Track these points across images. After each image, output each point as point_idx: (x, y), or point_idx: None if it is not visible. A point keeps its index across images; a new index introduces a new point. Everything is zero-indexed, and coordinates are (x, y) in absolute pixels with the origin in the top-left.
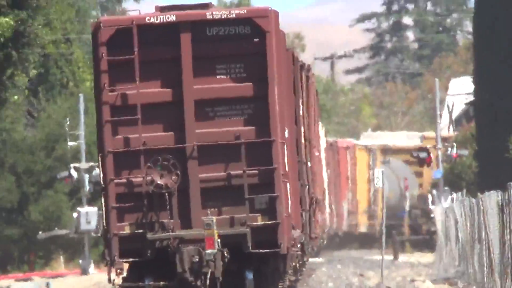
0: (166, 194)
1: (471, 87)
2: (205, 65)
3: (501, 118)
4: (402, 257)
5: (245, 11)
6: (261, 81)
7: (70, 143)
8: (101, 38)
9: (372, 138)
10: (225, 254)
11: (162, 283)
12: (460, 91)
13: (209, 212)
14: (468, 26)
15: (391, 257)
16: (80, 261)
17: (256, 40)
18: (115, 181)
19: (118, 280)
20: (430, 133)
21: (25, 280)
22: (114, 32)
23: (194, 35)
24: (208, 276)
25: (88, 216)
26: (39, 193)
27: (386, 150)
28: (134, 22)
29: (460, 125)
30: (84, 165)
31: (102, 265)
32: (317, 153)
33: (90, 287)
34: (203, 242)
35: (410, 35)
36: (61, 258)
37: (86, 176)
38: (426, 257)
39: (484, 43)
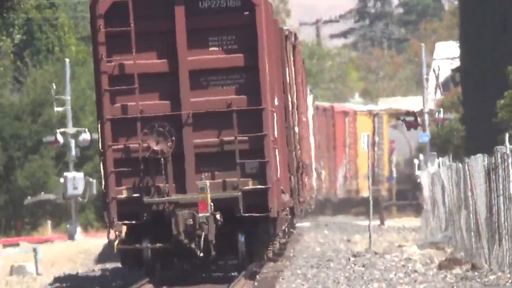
0: (162, 159)
1: (457, 51)
2: (198, 37)
3: (488, 83)
4: (389, 222)
5: None
6: (252, 52)
7: (57, 108)
8: (98, 10)
9: (389, 103)
10: (218, 218)
11: (158, 245)
12: (446, 55)
13: (203, 176)
14: None
15: (378, 222)
16: (68, 226)
17: (246, 13)
18: (113, 147)
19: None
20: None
21: (13, 245)
22: (111, 5)
23: (187, 8)
24: (202, 239)
25: (75, 181)
26: (25, 157)
27: (395, 114)
28: None
29: (447, 89)
30: (70, 130)
31: (88, 230)
32: (304, 119)
33: (77, 253)
34: (197, 206)
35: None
36: (49, 223)
37: (72, 141)
38: (413, 222)
39: (470, 7)
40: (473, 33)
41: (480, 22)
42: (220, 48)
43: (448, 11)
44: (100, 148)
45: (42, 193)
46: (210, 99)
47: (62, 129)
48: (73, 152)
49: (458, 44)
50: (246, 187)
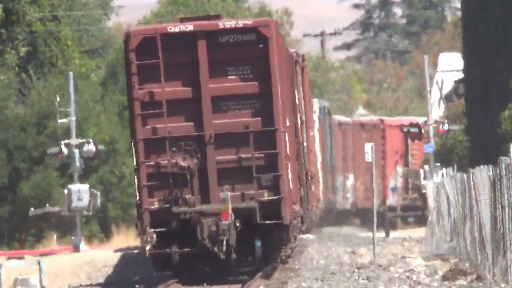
0: (188, 174)
1: (460, 63)
2: (218, 67)
3: (491, 94)
4: (394, 234)
5: (251, 21)
6: (265, 80)
7: (60, 121)
8: (131, 45)
9: None
10: (238, 225)
11: (186, 249)
12: (449, 66)
13: (224, 189)
14: (456, 1)
15: (383, 234)
16: (73, 237)
17: (260, 46)
18: (146, 163)
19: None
20: None
21: (17, 258)
22: (142, 40)
23: (208, 42)
24: (224, 243)
25: (80, 193)
26: (30, 169)
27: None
28: (158, 31)
29: (451, 101)
30: (74, 141)
31: (93, 241)
32: (311, 133)
33: (81, 265)
34: (220, 215)
35: (398, 11)
36: (54, 235)
37: (77, 152)
38: (418, 233)
39: (473, 18)
40: (476, 44)
41: (482, 33)
42: (238, 77)
43: (450, 22)
44: (134, 164)
45: (47, 205)
46: (229, 121)
47: (67, 141)
48: (77, 164)
49: (461, 56)
50: (262, 198)
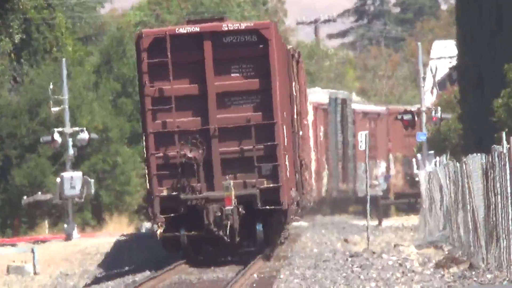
0: (195, 164)
1: (454, 50)
2: (222, 66)
3: (485, 81)
4: (387, 222)
5: (252, 24)
6: (266, 77)
7: (53, 108)
8: (142, 45)
9: None
10: (240, 210)
11: (193, 232)
12: (443, 54)
13: (227, 177)
14: None
15: (376, 222)
16: (65, 225)
17: (261, 46)
18: (156, 155)
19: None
20: None
21: (10, 245)
22: (152, 41)
23: (213, 43)
24: (228, 227)
25: (73, 180)
26: (22, 157)
27: None
28: (167, 32)
29: (444, 88)
30: (68, 129)
31: (86, 229)
32: (305, 122)
33: (75, 253)
34: (224, 201)
35: None
36: (46, 223)
37: (70, 140)
38: (411, 220)
39: (467, 6)
40: (470, 32)
41: (476, 21)
42: (241, 75)
43: (446, 10)
44: (145, 156)
45: (39, 193)
46: (232, 116)
47: (60, 129)
48: (71, 152)
49: (455, 43)
50: (262, 186)
